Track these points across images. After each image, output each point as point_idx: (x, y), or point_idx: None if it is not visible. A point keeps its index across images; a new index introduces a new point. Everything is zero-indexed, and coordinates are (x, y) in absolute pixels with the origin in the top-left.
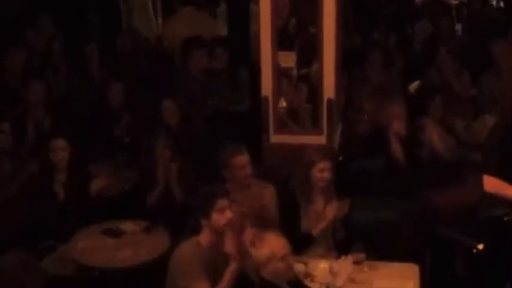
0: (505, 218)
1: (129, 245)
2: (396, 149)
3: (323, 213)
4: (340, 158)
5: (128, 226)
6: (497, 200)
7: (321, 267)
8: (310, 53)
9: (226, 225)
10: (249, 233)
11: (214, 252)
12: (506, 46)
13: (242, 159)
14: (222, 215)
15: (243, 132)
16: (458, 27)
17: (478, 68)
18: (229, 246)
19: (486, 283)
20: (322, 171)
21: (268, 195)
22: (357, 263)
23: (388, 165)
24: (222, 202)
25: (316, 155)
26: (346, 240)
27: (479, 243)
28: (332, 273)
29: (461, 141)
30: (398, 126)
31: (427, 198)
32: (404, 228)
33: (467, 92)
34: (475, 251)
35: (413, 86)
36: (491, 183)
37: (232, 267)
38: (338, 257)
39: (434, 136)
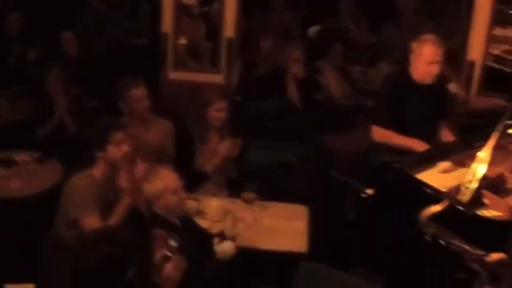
0: (395, 165)
1: (21, 176)
2: (293, 91)
3: (217, 150)
4: (237, 98)
5: (20, 157)
6: (386, 147)
7: (212, 204)
8: None
9: (122, 158)
10: (142, 167)
11: (107, 185)
12: None
13: (138, 92)
14: (118, 148)
15: (142, 66)
16: None
17: (377, 16)
18: (123, 180)
19: (373, 227)
20: (218, 111)
21: (165, 130)
22: (247, 201)
23: (284, 108)
24: (118, 135)
25: (213, 94)
26: (238, 180)
27: (369, 188)
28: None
29: (357, 88)
30: (296, 68)
31: (320, 142)
32: (297, 170)
33: (366, 39)
34: (364, 195)
35: (313, 30)
36: (379, 133)
37: (125, 202)
38: (230, 196)
39: (331, 80)
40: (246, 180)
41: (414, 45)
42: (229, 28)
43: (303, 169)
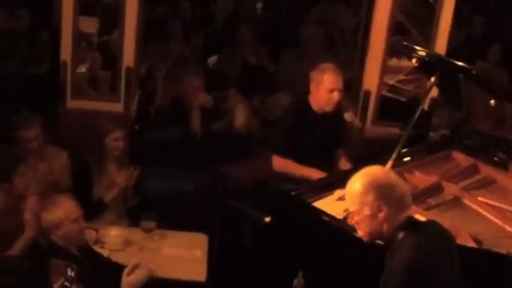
0: (292, 193)
1: None
2: (196, 121)
3: (115, 180)
4: (136, 127)
5: None
6: (286, 176)
7: (111, 234)
8: (112, 20)
9: (26, 189)
10: (40, 198)
11: (9, 216)
12: (312, 28)
13: (30, 133)
14: (22, 179)
15: (40, 95)
16: (260, 5)
17: (278, 45)
18: (27, 211)
19: (271, 255)
20: (115, 141)
21: (60, 160)
22: (147, 231)
23: (184, 137)
24: (22, 167)
25: (110, 124)
26: (137, 208)
27: (267, 216)
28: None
29: (256, 116)
30: (203, 98)
31: (219, 170)
32: (195, 199)
33: (265, 68)
34: (262, 223)
35: (212, 60)
36: (278, 163)
37: (28, 233)
38: (129, 225)
39: (236, 109)
40: (146, 209)
41: (314, 74)
42: (128, 57)
43: (200, 198)
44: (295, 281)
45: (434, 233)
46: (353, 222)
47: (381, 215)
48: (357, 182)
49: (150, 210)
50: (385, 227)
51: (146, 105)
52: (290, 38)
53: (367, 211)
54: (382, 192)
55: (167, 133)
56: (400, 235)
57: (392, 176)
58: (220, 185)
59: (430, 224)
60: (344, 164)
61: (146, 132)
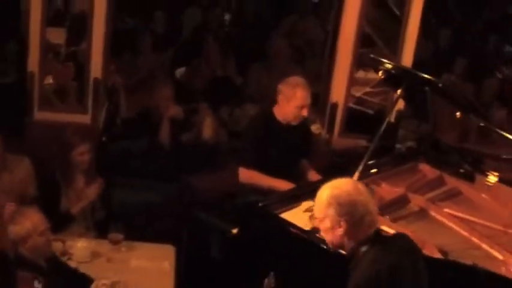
0: (260, 204)
1: None
2: (165, 132)
3: (83, 192)
4: (104, 138)
5: None
6: (253, 188)
7: (78, 246)
8: (80, 30)
9: None
10: (8, 209)
11: None
12: (280, 40)
13: None
14: None
15: (7, 106)
16: (228, 16)
17: (245, 57)
18: None
19: (238, 266)
20: (81, 154)
21: (24, 169)
22: (114, 242)
23: (152, 148)
24: None
25: (75, 138)
26: (105, 220)
27: (234, 227)
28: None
29: (224, 128)
30: (175, 110)
31: (187, 182)
32: (163, 211)
33: (233, 80)
34: (229, 235)
35: (179, 72)
36: (245, 174)
37: None
38: (97, 237)
39: (206, 121)
40: (113, 221)
41: (284, 88)
42: (96, 68)
43: (168, 209)
44: (265, 281)
45: (399, 245)
46: (318, 228)
47: (340, 230)
48: (324, 193)
49: (117, 222)
50: (345, 240)
51: (113, 117)
52: (258, 50)
53: (327, 223)
54: (343, 209)
55: (135, 144)
56: (363, 248)
57: (360, 193)
58: (187, 197)
59: (397, 236)
60: (312, 175)
61: (113, 144)
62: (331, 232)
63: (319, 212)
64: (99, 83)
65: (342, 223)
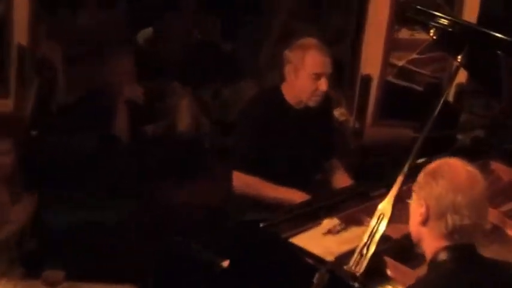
0: (261, 225)
1: None
2: (122, 123)
3: (5, 213)
4: (34, 132)
5: None
6: (251, 201)
7: None
8: None
9: None
10: None
11: None
12: None
13: None
14: None
15: None
16: None
17: (234, 16)
18: None
19: None
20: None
21: None
22: (51, 284)
23: (105, 146)
24: None
25: None
26: (37, 252)
27: (224, 259)
28: None
29: (207, 117)
30: (132, 90)
31: (154, 195)
32: (120, 236)
33: (218, 47)
34: (217, 270)
35: (143, 36)
36: (242, 181)
37: None
38: (26, 275)
39: (181, 106)
40: (49, 254)
41: (290, 53)
42: (20, 31)
43: (127, 234)
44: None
45: (486, 269)
46: None
47: (419, 215)
48: (433, 164)
49: (54, 254)
50: (421, 233)
51: (47, 101)
52: (253, 3)
53: (415, 198)
54: (433, 190)
55: (79, 141)
56: (442, 256)
57: (472, 186)
58: (155, 216)
59: (494, 262)
60: (341, 179)
61: (48, 140)
62: (413, 214)
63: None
64: (24, 51)
65: (423, 208)
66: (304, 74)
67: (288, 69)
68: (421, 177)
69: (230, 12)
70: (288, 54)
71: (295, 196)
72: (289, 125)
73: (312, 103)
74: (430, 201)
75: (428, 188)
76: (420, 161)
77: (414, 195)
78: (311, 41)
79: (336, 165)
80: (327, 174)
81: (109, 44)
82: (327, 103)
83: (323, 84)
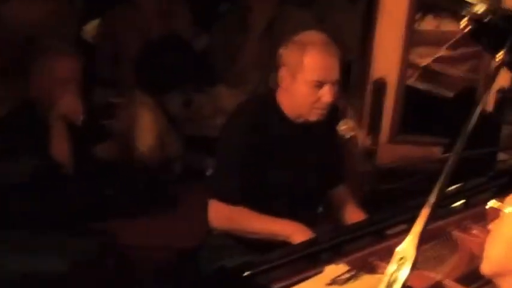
0: (246, 273)
1: None
2: (60, 146)
3: None
4: None
5: None
6: (234, 239)
7: None
8: None
9: None
10: None
11: None
12: None
13: None
14: None
15: None
16: None
17: (210, 4)
18: None
19: None
20: None
21: None
22: None
23: (42, 173)
24: None
25: None
26: None
27: None
28: None
29: (176, 132)
30: (68, 105)
31: (108, 235)
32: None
33: (189, 43)
34: None
35: (92, 29)
36: (223, 214)
37: None
38: None
39: (141, 119)
40: None
41: (285, 53)
42: None
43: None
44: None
45: None
46: None
47: None
48: None
49: None
50: None
51: None
52: None
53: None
54: None
55: (10, 168)
56: None
57: None
58: (110, 262)
59: None
60: (351, 213)
61: None
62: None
63: None
64: None
65: None
66: (303, 81)
67: (282, 73)
68: None
69: (205, 5)
70: (283, 53)
71: (292, 230)
72: (287, 143)
73: (312, 117)
74: None
75: None
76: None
77: (508, 219)
78: (314, 36)
79: (343, 194)
80: (331, 206)
81: (44, 41)
82: (333, 116)
83: (327, 95)
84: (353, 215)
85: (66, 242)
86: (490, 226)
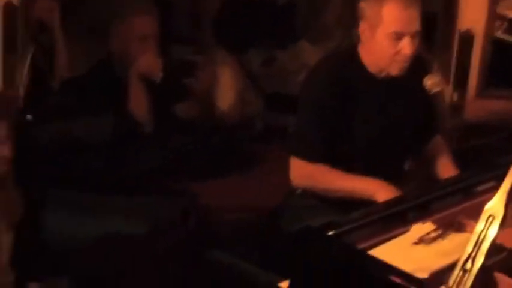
0: (330, 233)
1: None
2: (140, 102)
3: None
4: (29, 117)
5: None
6: (318, 199)
7: None
8: None
9: None
10: None
11: None
12: None
13: None
14: None
15: None
16: None
17: None
18: None
19: None
20: None
21: None
22: None
23: (121, 133)
24: None
25: None
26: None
27: (281, 278)
28: None
29: (258, 91)
30: (147, 63)
31: (189, 196)
32: (149, 252)
33: None
34: None
35: None
36: (305, 173)
37: None
38: None
39: (221, 78)
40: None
41: (364, 6)
42: None
43: (158, 249)
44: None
45: None
46: None
47: None
48: None
49: (58, 275)
50: None
51: (45, 76)
52: None
53: None
54: None
55: (87, 127)
56: None
57: None
58: (192, 224)
59: None
60: (445, 167)
61: (47, 127)
62: None
63: None
64: (15, 11)
65: None
66: (382, 33)
67: (362, 27)
68: None
69: None
70: (363, 6)
71: (375, 188)
72: (370, 97)
73: (394, 71)
74: None
75: None
76: None
77: None
78: None
79: (440, 145)
80: (424, 160)
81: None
82: (420, 69)
83: (406, 47)
84: (447, 169)
85: (147, 203)
86: None
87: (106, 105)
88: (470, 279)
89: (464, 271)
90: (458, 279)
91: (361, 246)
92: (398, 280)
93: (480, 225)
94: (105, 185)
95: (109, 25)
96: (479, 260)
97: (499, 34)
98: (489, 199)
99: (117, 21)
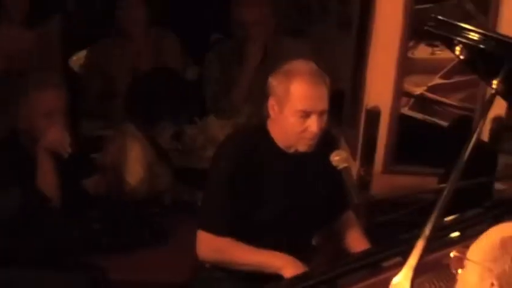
0: None
1: None
2: (48, 179)
3: None
4: None
5: None
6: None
7: None
8: None
9: None
10: None
11: None
12: None
13: None
14: None
15: None
16: None
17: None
18: None
19: None
20: None
21: None
22: None
23: (29, 209)
24: None
25: None
26: None
27: None
28: None
29: (165, 164)
30: (54, 137)
31: (98, 270)
32: None
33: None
34: None
35: (79, 59)
36: (212, 246)
37: None
38: None
39: (129, 153)
40: None
41: (273, 82)
42: None
43: None
44: None
45: None
46: None
47: None
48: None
49: None
50: None
51: None
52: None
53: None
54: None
55: None
56: None
57: None
58: None
59: None
60: (357, 241)
61: None
62: None
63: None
64: None
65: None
66: (290, 110)
67: (271, 102)
68: (487, 245)
69: (195, 30)
70: (272, 81)
71: (282, 263)
72: (278, 172)
73: (301, 147)
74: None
75: (502, 263)
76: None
77: (473, 267)
78: (300, 65)
79: (350, 220)
80: (331, 235)
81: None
82: (329, 144)
83: (313, 125)
84: (356, 242)
85: (55, 278)
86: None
87: (13, 179)
88: None
89: None
90: None
91: None
92: None
93: None
94: (13, 259)
95: (13, 100)
96: None
97: (406, 111)
98: (395, 274)
99: (21, 97)
